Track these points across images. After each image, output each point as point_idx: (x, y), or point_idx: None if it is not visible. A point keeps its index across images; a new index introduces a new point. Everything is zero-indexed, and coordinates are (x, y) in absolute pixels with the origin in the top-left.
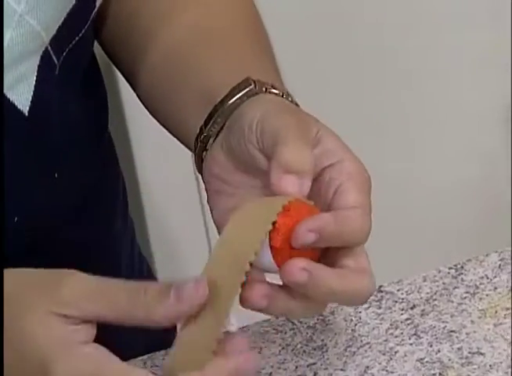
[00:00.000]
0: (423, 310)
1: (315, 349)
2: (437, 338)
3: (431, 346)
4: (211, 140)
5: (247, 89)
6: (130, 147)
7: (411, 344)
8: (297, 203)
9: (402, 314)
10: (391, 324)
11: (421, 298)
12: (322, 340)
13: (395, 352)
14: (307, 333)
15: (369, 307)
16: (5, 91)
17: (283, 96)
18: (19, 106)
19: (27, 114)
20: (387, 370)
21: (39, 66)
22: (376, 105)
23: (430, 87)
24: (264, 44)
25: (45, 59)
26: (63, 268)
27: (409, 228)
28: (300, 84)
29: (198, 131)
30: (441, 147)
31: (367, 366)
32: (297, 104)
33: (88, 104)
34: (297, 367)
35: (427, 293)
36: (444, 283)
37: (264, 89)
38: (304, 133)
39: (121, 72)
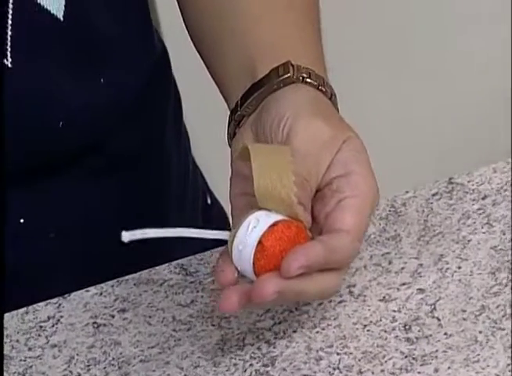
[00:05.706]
0: (494, 200)
1: (388, 239)
2: (510, 226)
3: (504, 234)
4: (245, 119)
5: (285, 76)
6: None
7: (484, 232)
8: (284, 221)
9: (473, 204)
10: (462, 214)
11: (492, 188)
12: (395, 230)
13: (468, 241)
14: (380, 224)
15: (440, 198)
16: None
17: (318, 87)
18: (53, 11)
19: (62, 19)
20: (461, 258)
21: None
22: None
23: None
24: (314, 10)
25: None
26: (105, 184)
27: (479, 119)
28: None
29: (234, 106)
30: None
31: (441, 255)
32: (332, 93)
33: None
34: (371, 256)
35: (498, 184)
36: None
37: (301, 78)
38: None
39: None
